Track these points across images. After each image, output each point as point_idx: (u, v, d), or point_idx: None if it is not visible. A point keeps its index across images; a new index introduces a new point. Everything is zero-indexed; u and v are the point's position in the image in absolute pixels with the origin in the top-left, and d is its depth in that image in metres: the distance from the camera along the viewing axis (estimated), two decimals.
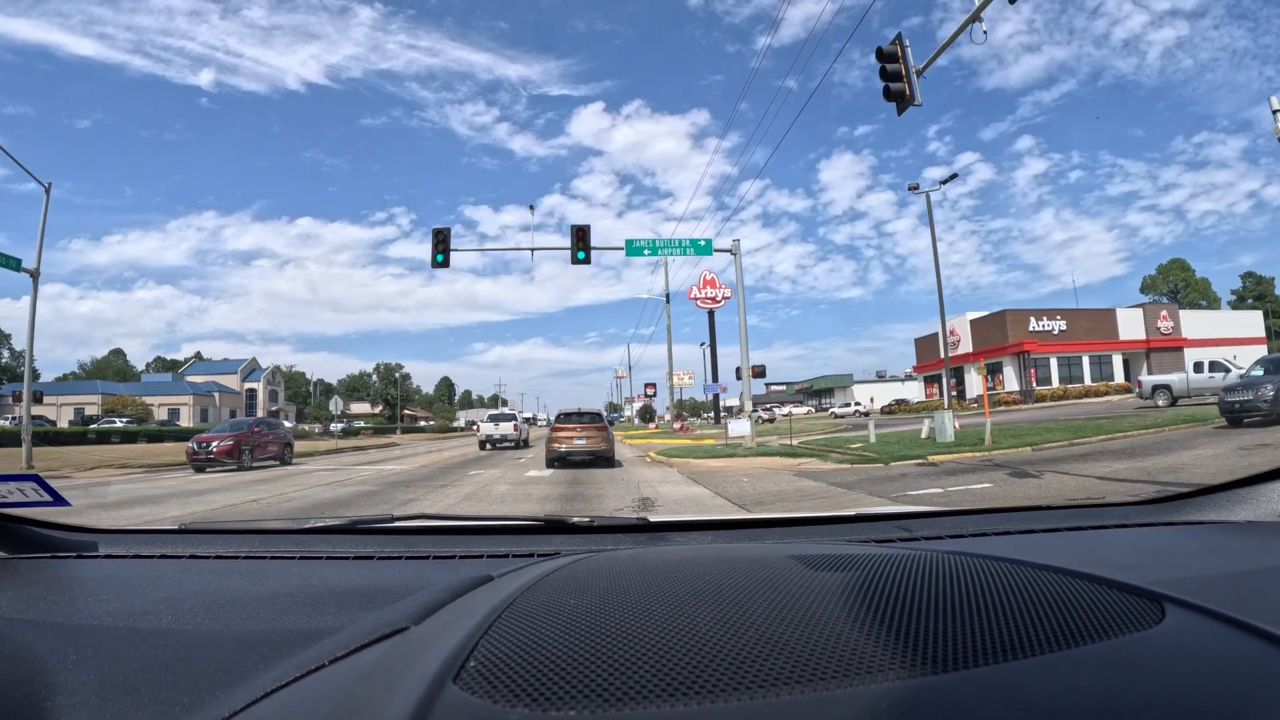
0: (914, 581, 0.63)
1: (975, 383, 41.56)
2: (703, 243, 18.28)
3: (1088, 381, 37.01)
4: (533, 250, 17.61)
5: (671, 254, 17.77)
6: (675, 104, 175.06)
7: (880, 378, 72.80)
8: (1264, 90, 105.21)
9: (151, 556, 1.05)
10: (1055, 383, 38.05)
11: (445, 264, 16.56)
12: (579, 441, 13.46)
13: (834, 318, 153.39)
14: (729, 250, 18.36)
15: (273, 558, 1.05)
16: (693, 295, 54.73)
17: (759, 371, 17.64)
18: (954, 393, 46.88)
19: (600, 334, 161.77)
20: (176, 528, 1.33)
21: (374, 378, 78.96)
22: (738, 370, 18.08)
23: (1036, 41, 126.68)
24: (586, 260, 16.48)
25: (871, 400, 55.26)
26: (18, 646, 0.67)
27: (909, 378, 72.09)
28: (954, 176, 21.54)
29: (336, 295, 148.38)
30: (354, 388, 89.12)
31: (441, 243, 16.98)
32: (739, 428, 16.42)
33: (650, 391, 67.38)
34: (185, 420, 60.97)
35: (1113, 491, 6.62)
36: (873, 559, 0.71)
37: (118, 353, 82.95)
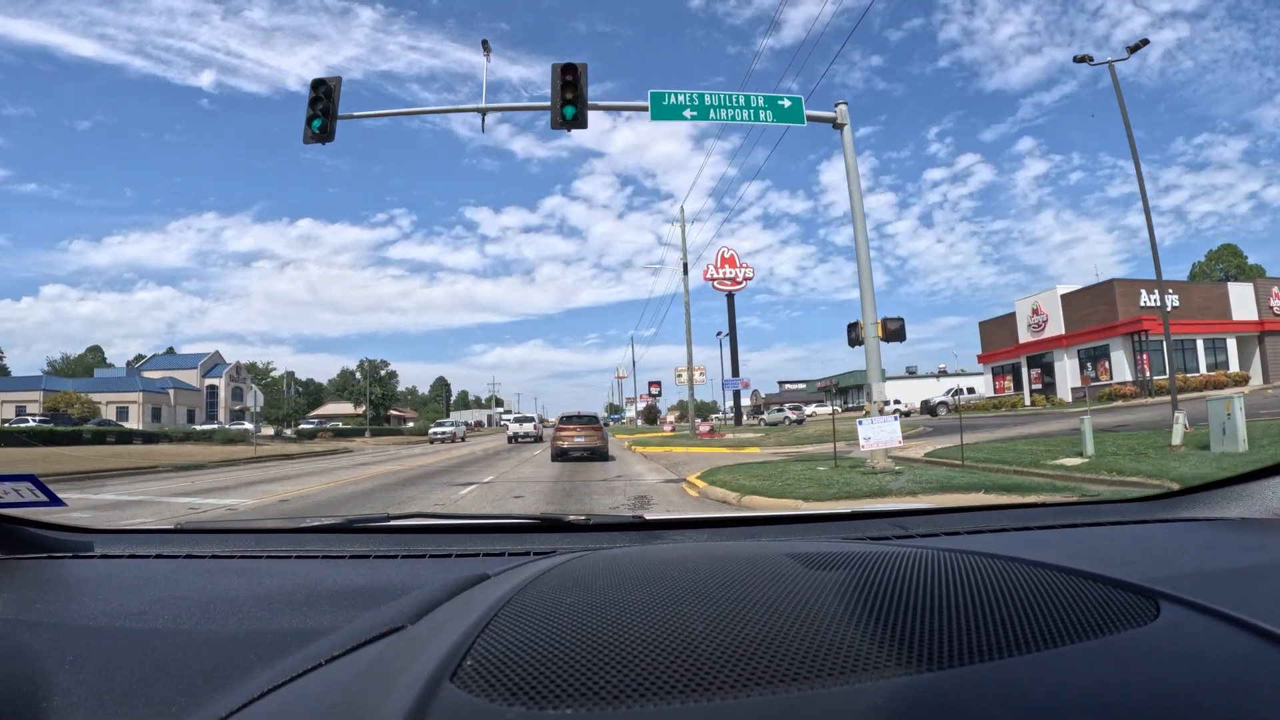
0: (910, 579, 0.65)
1: (1070, 373, 31.99)
2: (785, 103, 8.55)
3: (1203, 370, 27.77)
4: (483, 112, 8.09)
5: (732, 117, 8.27)
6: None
7: (910, 374, 63.95)
8: (1264, 92, 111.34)
9: (147, 556, 1.09)
10: (1168, 370, 28.58)
11: (325, 135, 10.16)
12: (579, 439, 16.22)
13: (834, 319, 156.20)
14: (830, 120, 11.42)
15: (269, 557, 1.09)
16: (709, 276, 43.07)
17: (893, 330, 8.07)
18: (1037, 385, 36.71)
19: (600, 335, 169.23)
20: (172, 527, 1.37)
21: (358, 375, 69.95)
22: (851, 329, 8.22)
23: (1037, 43, 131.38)
24: (578, 121, 10.32)
25: (895, 400, 46.21)
26: (14, 647, 0.69)
27: (941, 374, 68.88)
28: (1146, 43, 12.72)
29: (337, 297, 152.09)
30: (343, 387, 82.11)
31: (322, 100, 10.35)
32: (881, 433, 6.63)
33: (655, 390, 63.21)
34: (134, 420, 52.07)
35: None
36: (869, 556, 0.73)
37: (95, 350, 79.08)
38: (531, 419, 36.52)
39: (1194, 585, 0.70)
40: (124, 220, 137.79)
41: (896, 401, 47.28)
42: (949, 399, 39.41)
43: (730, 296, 47.21)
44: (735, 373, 46.74)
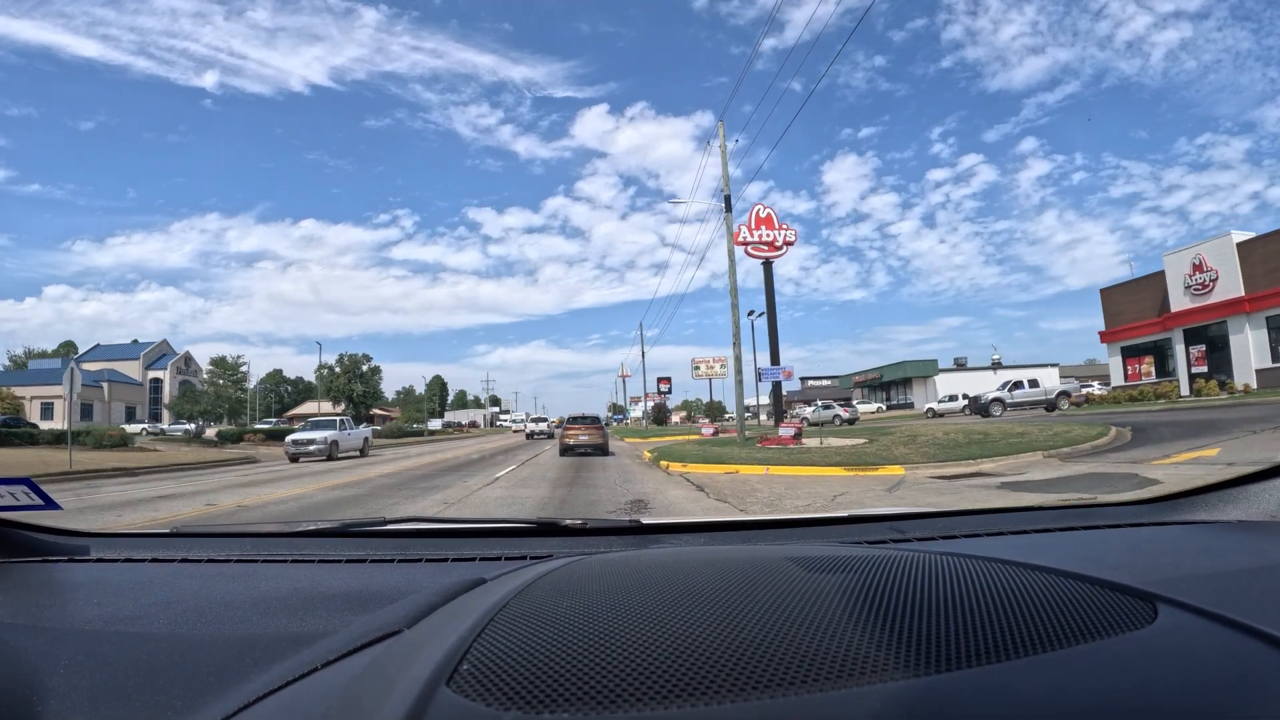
0: (907, 582, 0.69)
1: (1255, 349, 20.87)
2: None
3: None
4: None
5: None
6: (679, 106, 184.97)
7: (960, 365, 53.86)
8: (1267, 92, 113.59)
9: (143, 560, 1.13)
10: None
11: None
12: (583, 437, 19.97)
13: (836, 319, 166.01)
14: None
15: (265, 561, 1.12)
16: (741, 240, 34.81)
17: None
18: (1202, 366, 24.87)
19: (603, 336, 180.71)
20: (168, 531, 1.38)
21: (337, 370, 59.90)
22: None
23: (1041, 43, 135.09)
24: None
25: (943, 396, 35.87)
26: (9, 651, 0.72)
27: (996, 366, 59.47)
28: None
29: (340, 297, 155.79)
30: (330, 384, 72.73)
31: None
32: None
33: (664, 387, 61.61)
34: (59, 418, 41.50)
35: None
36: (866, 560, 0.77)
37: (68, 345, 69.01)
38: (545, 419, 49.25)
39: (1192, 588, 0.73)
40: (127, 221, 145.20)
41: (961, 396, 36.62)
42: (1005, 394, 32.48)
43: (768, 265, 35.43)
44: (775, 360, 34.60)
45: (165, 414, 59.13)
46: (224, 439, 37.30)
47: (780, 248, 38.83)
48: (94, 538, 1.27)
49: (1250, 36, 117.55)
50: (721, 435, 26.31)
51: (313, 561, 1.10)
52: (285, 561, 1.10)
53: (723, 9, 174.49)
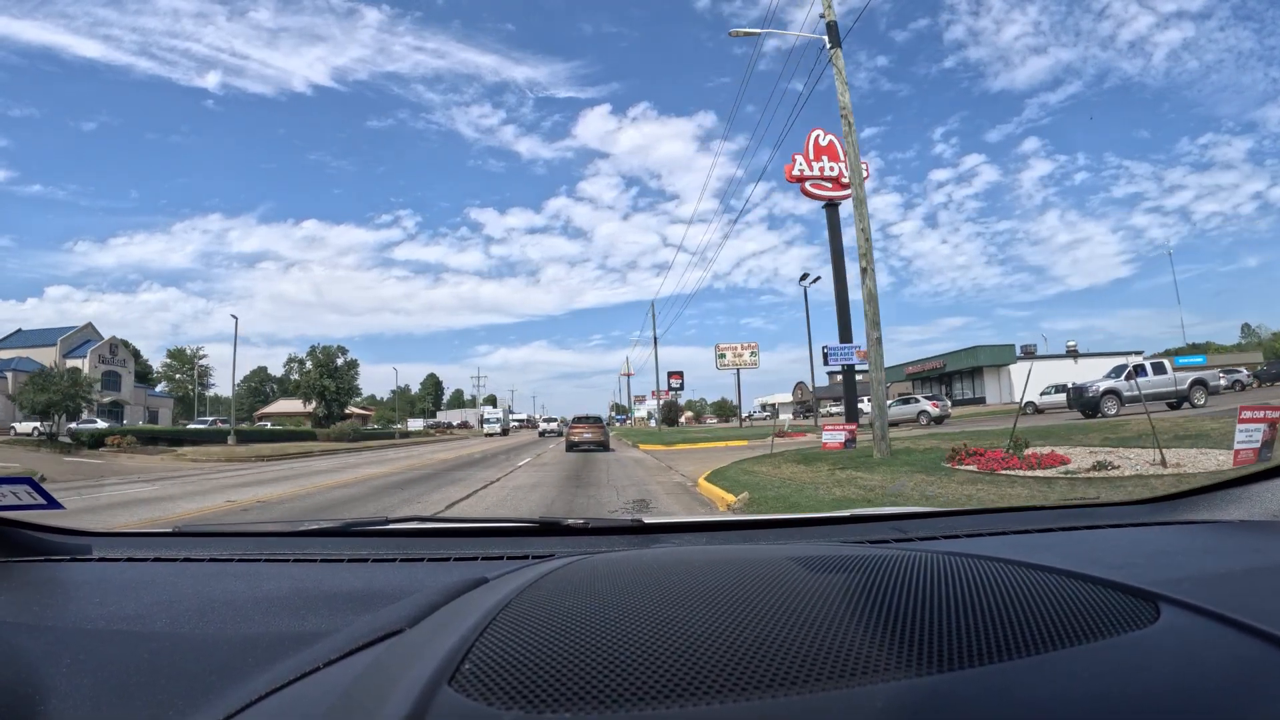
0: (909, 582, 0.72)
1: None
2: None
3: None
4: None
5: None
6: (681, 106, 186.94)
7: (1029, 354, 45.33)
8: (1269, 92, 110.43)
9: (145, 559, 1.15)
10: None
11: None
12: (586, 435, 23.03)
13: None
14: None
15: (267, 560, 1.14)
16: (796, 175, 27.47)
17: None
18: None
19: (605, 336, 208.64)
20: (170, 530, 1.40)
21: (308, 364, 49.22)
22: None
23: (1043, 43, 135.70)
24: None
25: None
26: (12, 650, 0.74)
27: (1073, 355, 49.69)
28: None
29: (341, 298, 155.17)
30: (307, 381, 63.02)
31: None
32: None
33: (676, 383, 51.79)
34: None
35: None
36: (868, 560, 0.80)
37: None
38: (555, 419, 53.59)
39: (1194, 588, 0.74)
40: (129, 221, 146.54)
41: (1070, 385, 26.12)
42: (1122, 384, 21.54)
43: (832, 208, 23.48)
44: (846, 335, 22.94)
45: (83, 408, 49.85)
46: (79, 441, 29.40)
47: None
48: (96, 537, 1.27)
49: (1252, 36, 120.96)
50: (859, 447, 12.29)
51: (315, 561, 1.10)
52: (287, 561, 1.11)
53: (725, 9, 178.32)
